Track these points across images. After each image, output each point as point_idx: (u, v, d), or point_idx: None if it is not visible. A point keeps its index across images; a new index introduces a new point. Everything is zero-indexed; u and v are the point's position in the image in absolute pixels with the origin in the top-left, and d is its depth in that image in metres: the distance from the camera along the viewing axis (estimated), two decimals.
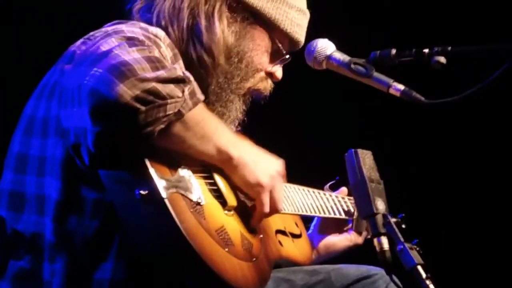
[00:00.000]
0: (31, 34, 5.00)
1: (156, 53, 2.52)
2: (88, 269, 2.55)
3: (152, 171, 2.48)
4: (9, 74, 4.66)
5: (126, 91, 2.35)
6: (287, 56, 3.01)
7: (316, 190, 3.32)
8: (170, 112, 2.43)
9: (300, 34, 3.01)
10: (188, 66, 2.73)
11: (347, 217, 3.37)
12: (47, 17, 5.01)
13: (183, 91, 2.45)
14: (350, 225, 3.38)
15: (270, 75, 3.01)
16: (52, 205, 2.59)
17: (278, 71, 3.02)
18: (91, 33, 2.70)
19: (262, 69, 2.97)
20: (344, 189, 3.41)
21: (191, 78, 2.53)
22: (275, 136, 2.94)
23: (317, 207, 3.27)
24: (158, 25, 2.83)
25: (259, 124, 2.99)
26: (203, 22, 2.84)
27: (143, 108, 2.37)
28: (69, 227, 2.56)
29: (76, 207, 2.57)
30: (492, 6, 5.31)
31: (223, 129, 2.65)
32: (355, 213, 3.33)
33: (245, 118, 2.97)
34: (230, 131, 2.73)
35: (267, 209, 2.74)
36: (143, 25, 2.74)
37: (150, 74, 2.39)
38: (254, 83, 2.96)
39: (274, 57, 3.00)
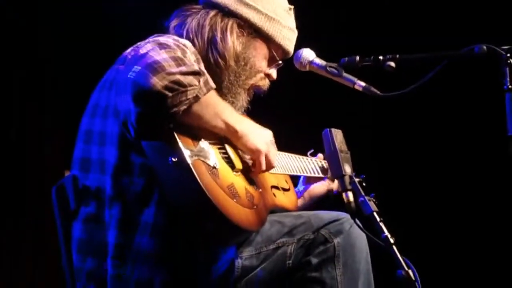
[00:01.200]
0: (97, 44, 5.00)
1: (179, 54, 2.54)
2: (136, 214, 2.57)
3: (180, 143, 2.51)
4: (82, 74, 4.65)
5: (157, 82, 2.38)
6: (280, 62, 3.03)
7: (300, 156, 3.34)
8: (190, 96, 2.46)
9: (290, 47, 3.02)
10: (207, 67, 2.75)
11: (323, 175, 3.37)
12: (107, 33, 5.01)
13: (199, 81, 2.49)
14: (325, 181, 3.38)
15: (267, 75, 3.02)
16: (110, 167, 2.62)
17: (273, 73, 3.03)
18: (138, 42, 2.73)
19: (262, 71, 2.98)
20: (320, 155, 3.41)
21: (205, 72, 2.56)
22: (272, 118, 2.91)
23: (301, 168, 3.28)
24: (187, 37, 2.85)
25: (261, 111, 2.97)
26: (219, 35, 2.85)
27: (170, 94, 2.40)
28: (122, 183, 2.59)
29: (127, 168, 2.59)
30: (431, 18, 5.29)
31: (229, 109, 2.68)
32: (329, 171, 3.32)
33: (249, 106, 2.97)
34: (235, 111, 2.75)
35: (263, 167, 2.76)
36: (175, 37, 2.77)
37: (175, 69, 2.43)
38: (255, 81, 2.97)
39: (271, 62, 3.01)
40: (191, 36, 2.85)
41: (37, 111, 5.28)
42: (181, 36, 2.84)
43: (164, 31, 2.92)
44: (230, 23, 2.88)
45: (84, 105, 2.81)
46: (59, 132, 5.29)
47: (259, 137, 2.73)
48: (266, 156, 2.74)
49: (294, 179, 3.32)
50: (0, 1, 4.98)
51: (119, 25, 4.97)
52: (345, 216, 2.79)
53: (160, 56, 2.46)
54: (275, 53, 2.98)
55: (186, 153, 2.50)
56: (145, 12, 4.83)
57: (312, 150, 3.40)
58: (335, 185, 3.32)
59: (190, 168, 2.47)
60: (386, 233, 2.39)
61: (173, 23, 2.93)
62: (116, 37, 4.75)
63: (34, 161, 5.28)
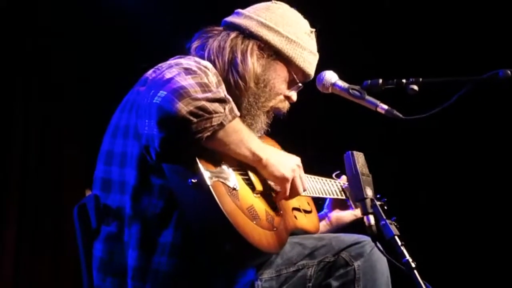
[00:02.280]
0: (117, 65, 5.04)
1: (205, 80, 2.53)
2: (155, 234, 2.56)
3: (200, 165, 2.50)
4: (103, 94, 4.69)
5: (183, 107, 2.37)
6: (300, 85, 3.00)
7: (323, 178, 3.31)
8: (215, 123, 2.44)
9: (310, 69, 3.00)
10: (228, 89, 2.74)
11: (346, 198, 3.35)
12: (129, 53, 5.05)
13: (224, 108, 2.46)
14: (349, 203, 3.36)
15: (287, 98, 2.99)
16: (130, 188, 2.61)
17: (293, 95, 3.01)
18: (160, 64, 2.72)
19: (282, 93, 2.96)
20: (344, 177, 3.39)
21: (231, 99, 2.53)
22: (295, 142, 2.90)
23: (324, 190, 3.26)
24: (208, 58, 2.84)
25: (284, 134, 2.96)
26: (239, 57, 2.84)
27: (195, 120, 2.38)
28: (142, 204, 2.58)
29: (147, 190, 2.58)
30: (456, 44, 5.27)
31: (254, 137, 2.65)
32: (350, 194, 3.31)
33: (268, 129, 2.95)
34: (258, 139, 2.71)
35: (287, 194, 2.73)
36: (197, 59, 2.76)
37: (201, 95, 2.41)
38: (275, 103, 2.95)
39: (291, 85, 2.98)
40: (212, 57, 2.84)
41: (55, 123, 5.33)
42: (202, 57, 2.83)
43: (185, 52, 2.92)
44: (250, 45, 2.87)
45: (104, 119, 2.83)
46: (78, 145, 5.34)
47: (284, 164, 2.69)
48: (292, 183, 2.71)
49: (316, 201, 3.31)
50: None
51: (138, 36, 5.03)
52: (366, 239, 2.76)
53: (186, 81, 2.44)
54: (295, 76, 2.96)
55: (206, 174, 2.48)
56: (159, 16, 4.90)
57: (338, 172, 3.38)
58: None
59: (210, 190, 2.45)
60: (408, 257, 2.37)
61: (195, 44, 2.92)
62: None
63: (53, 176, 5.32)
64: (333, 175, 3.39)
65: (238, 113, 2.54)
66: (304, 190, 2.80)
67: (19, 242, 5.11)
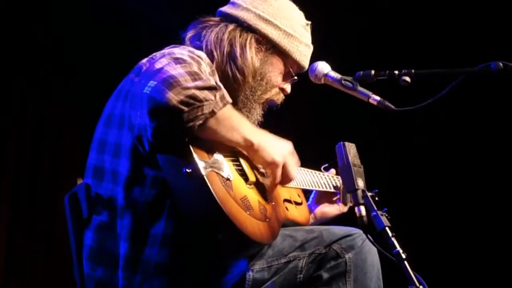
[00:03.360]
0: (113, 53, 5.03)
1: (195, 68, 2.51)
2: (146, 225, 2.55)
3: (194, 155, 2.48)
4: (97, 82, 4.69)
5: (173, 97, 2.35)
6: (295, 78, 3.00)
7: (313, 171, 3.30)
8: (206, 111, 2.42)
9: (305, 62, 3.00)
10: (224, 81, 2.71)
11: (335, 190, 3.33)
12: (124, 43, 5.04)
13: (215, 96, 2.45)
14: (338, 196, 3.35)
15: (282, 90, 2.99)
16: (122, 178, 2.59)
17: (288, 87, 3.01)
18: (154, 53, 2.70)
19: (277, 85, 2.96)
20: (333, 170, 3.38)
21: (222, 86, 2.52)
22: (286, 131, 2.88)
23: (314, 182, 3.25)
24: (206, 49, 2.82)
25: (274, 124, 2.95)
26: (238, 51, 2.82)
27: (186, 108, 2.37)
28: (134, 195, 2.57)
29: (139, 180, 2.56)
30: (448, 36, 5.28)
31: (245, 123, 2.63)
32: (341, 188, 3.30)
33: (262, 119, 2.94)
34: (251, 124, 2.71)
35: (278, 179, 2.72)
36: (191, 48, 2.74)
37: (191, 84, 2.40)
38: (270, 95, 2.95)
39: (286, 77, 2.99)
40: (209, 48, 2.82)
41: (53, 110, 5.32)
42: (198, 47, 2.82)
43: (180, 41, 2.90)
44: (248, 38, 2.86)
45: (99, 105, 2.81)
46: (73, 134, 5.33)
47: (276, 149, 2.67)
48: (283, 169, 2.70)
49: (306, 193, 3.30)
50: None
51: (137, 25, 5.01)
52: (357, 231, 2.76)
53: (176, 71, 2.42)
54: (290, 69, 2.96)
55: (201, 164, 2.47)
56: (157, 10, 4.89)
57: (326, 164, 3.38)
58: (347, 207, 3.30)
59: (204, 179, 2.44)
60: (398, 248, 2.36)
61: (190, 34, 2.90)
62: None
63: (47, 163, 5.32)
64: (322, 168, 3.39)
65: (230, 100, 2.52)
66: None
67: (11, 231, 5.12)
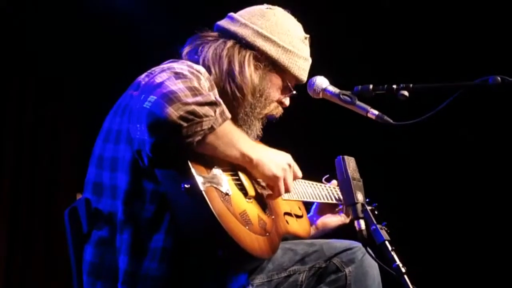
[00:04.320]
0: (111, 68, 5.04)
1: (195, 84, 2.50)
2: (146, 239, 2.53)
3: (193, 170, 2.47)
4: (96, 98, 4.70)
5: (173, 112, 2.35)
6: (294, 92, 2.98)
7: (314, 183, 3.29)
8: (205, 127, 2.42)
9: (304, 76, 2.99)
10: (224, 98, 2.68)
11: (337, 202, 3.32)
12: (125, 54, 5.05)
13: (215, 111, 2.44)
14: (340, 207, 3.34)
15: (280, 103, 2.98)
16: (121, 193, 2.58)
17: (286, 100, 2.99)
18: (153, 68, 2.69)
19: (276, 100, 2.95)
20: (334, 182, 3.36)
21: (221, 102, 2.52)
22: (286, 145, 2.88)
23: (315, 195, 3.24)
24: (203, 65, 2.80)
25: (274, 138, 2.96)
26: (237, 68, 2.80)
27: (185, 124, 2.37)
28: (133, 209, 2.55)
29: (139, 195, 2.55)
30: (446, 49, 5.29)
31: (244, 138, 2.63)
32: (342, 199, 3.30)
33: (262, 133, 2.93)
34: (250, 139, 2.71)
35: (283, 193, 2.71)
36: (189, 63, 2.72)
37: (191, 99, 2.39)
38: (269, 110, 2.93)
39: (284, 91, 2.97)
40: (207, 64, 2.80)
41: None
42: (196, 62, 2.80)
43: (178, 56, 2.89)
44: (247, 55, 2.84)
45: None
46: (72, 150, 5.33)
47: (275, 163, 2.66)
48: (284, 182, 2.69)
49: (307, 204, 3.30)
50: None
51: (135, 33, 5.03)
52: (357, 245, 2.76)
53: (176, 86, 2.42)
54: (289, 83, 2.95)
55: (199, 180, 2.46)
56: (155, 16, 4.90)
57: (327, 176, 3.37)
58: (349, 218, 3.29)
59: (203, 195, 2.43)
60: (398, 262, 2.37)
61: (187, 48, 2.89)
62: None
63: (47, 177, 5.31)
64: (323, 179, 3.38)
65: (229, 116, 2.52)
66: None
67: (10, 245, 5.10)
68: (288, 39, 2.91)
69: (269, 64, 2.89)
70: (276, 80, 2.92)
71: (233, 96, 2.79)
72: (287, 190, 2.72)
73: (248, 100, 2.82)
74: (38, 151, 5.27)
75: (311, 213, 3.36)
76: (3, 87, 5.15)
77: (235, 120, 2.63)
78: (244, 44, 2.86)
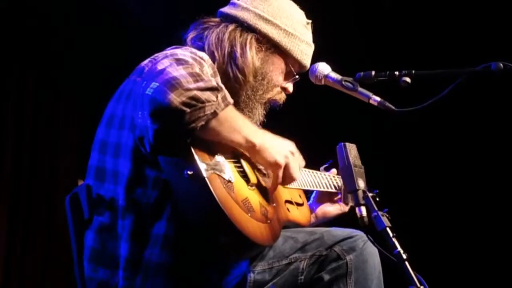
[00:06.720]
0: (115, 53, 5.03)
1: (197, 70, 2.49)
2: (148, 226, 2.53)
3: (196, 157, 2.46)
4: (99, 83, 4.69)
5: (175, 98, 2.34)
6: (297, 77, 2.98)
7: (314, 171, 3.28)
8: (208, 112, 2.41)
9: (307, 61, 2.98)
10: (226, 82, 2.70)
11: (336, 190, 3.32)
12: (125, 46, 5.04)
13: (217, 97, 2.44)
14: (339, 196, 3.33)
15: (284, 89, 2.98)
16: (124, 179, 2.58)
17: (290, 86, 2.99)
18: (156, 54, 2.69)
19: (278, 85, 2.94)
20: (334, 170, 3.36)
21: (223, 87, 2.51)
22: (287, 132, 2.88)
23: (315, 183, 3.22)
24: (207, 50, 2.82)
25: (275, 124, 2.95)
26: (238, 51, 2.82)
27: (188, 110, 2.36)
28: (135, 195, 2.55)
29: (140, 181, 2.55)
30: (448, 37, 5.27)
31: (247, 123, 2.62)
32: (343, 187, 3.29)
33: (264, 120, 2.94)
34: (253, 124, 2.69)
35: (280, 180, 2.70)
36: (193, 50, 2.73)
37: (193, 85, 2.38)
38: (272, 95, 2.94)
39: (287, 76, 2.97)
40: (211, 49, 2.81)
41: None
42: (199, 48, 2.81)
43: (182, 42, 2.89)
44: (249, 38, 2.85)
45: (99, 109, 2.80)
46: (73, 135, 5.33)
47: (278, 150, 2.65)
48: (285, 169, 2.67)
49: (307, 192, 3.30)
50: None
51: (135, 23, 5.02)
52: (358, 233, 2.75)
53: (178, 72, 2.41)
54: (292, 68, 2.94)
55: (202, 166, 2.45)
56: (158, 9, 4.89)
57: (326, 165, 3.37)
58: (348, 206, 3.30)
59: (206, 182, 2.43)
60: (399, 249, 2.36)
61: (191, 35, 2.89)
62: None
63: (47, 164, 5.32)
64: (321, 168, 3.38)
65: (231, 101, 2.51)
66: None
67: (11, 232, 5.12)
68: (290, 22, 2.92)
69: (271, 47, 2.89)
70: (279, 64, 2.92)
71: (234, 78, 2.79)
72: (291, 178, 2.71)
73: (249, 82, 2.82)
74: (38, 137, 5.27)
75: (310, 201, 3.35)
76: (4, 74, 5.14)
77: (237, 103, 2.63)
78: (245, 27, 2.87)
